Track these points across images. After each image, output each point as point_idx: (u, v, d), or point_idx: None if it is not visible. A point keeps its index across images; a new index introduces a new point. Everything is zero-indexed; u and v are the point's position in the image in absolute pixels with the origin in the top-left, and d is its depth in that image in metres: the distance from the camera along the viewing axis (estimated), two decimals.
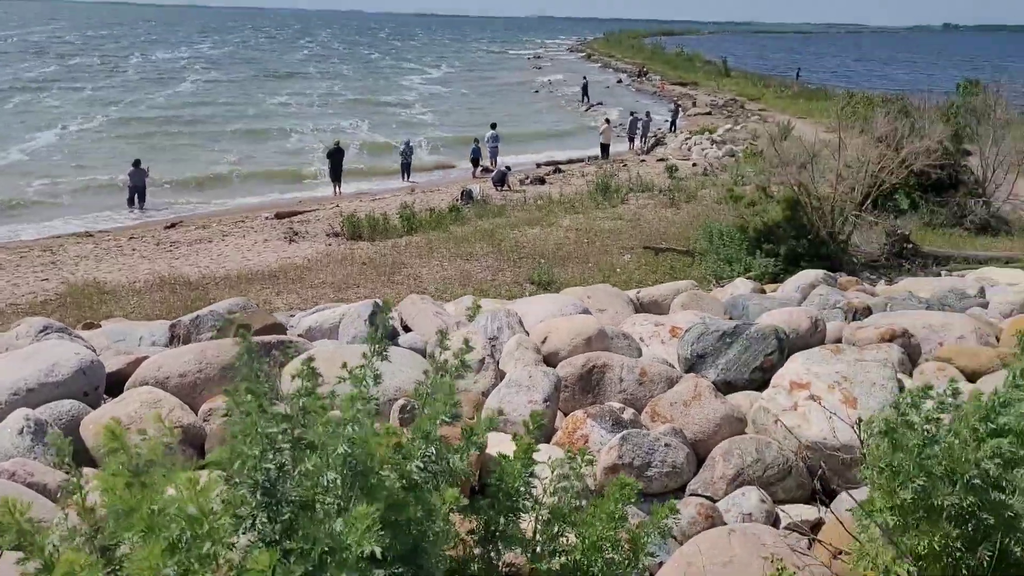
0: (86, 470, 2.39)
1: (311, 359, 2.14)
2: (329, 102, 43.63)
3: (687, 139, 31.62)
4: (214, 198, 22.74)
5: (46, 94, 41.33)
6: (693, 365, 4.57)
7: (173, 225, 18.67)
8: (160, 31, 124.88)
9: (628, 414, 3.81)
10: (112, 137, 30.26)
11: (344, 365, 2.24)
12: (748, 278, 9.75)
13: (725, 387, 4.43)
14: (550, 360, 4.46)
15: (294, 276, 12.43)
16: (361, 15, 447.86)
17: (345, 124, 35.92)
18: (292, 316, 8.21)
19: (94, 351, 4.54)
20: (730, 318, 5.96)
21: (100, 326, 7.36)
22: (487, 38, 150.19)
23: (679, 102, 40.89)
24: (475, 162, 26.56)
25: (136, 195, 20.93)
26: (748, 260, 11.72)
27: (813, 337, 5.18)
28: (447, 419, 2.08)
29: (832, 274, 8.18)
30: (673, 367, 4.59)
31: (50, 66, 57.52)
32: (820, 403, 3.79)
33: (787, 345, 4.75)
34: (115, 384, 3.68)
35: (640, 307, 6.43)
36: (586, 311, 5.43)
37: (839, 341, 5.32)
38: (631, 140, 31.73)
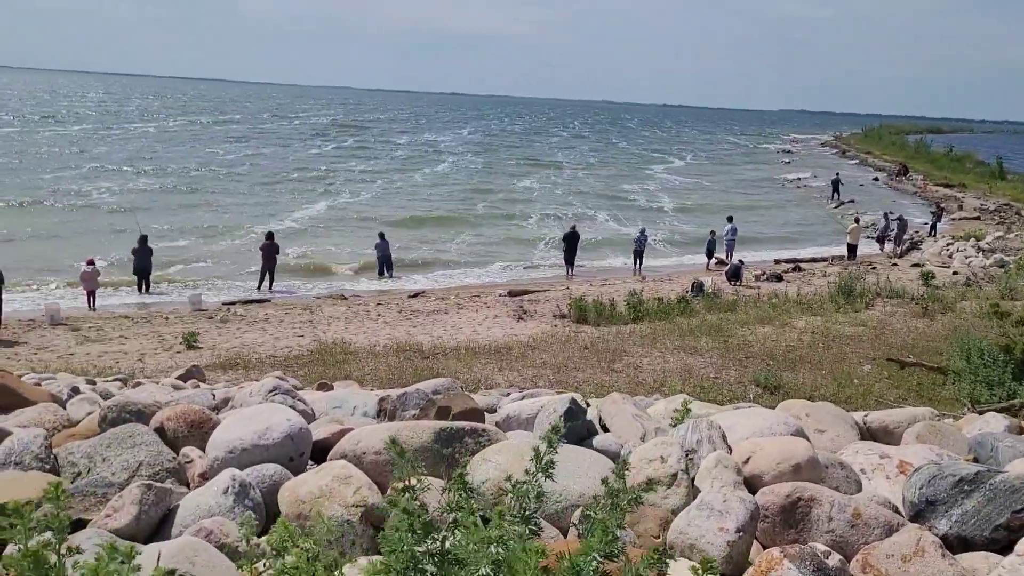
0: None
1: (463, 476, 2.11)
2: (572, 187, 45.21)
3: (949, 244, 28.93)
4: (454, 272, 24.25)
5: (323, 170, 46.55)
6: (921, 512, 4.01)
7: (416, 295, 20.05)
8: (428, 116, 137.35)
9: (834, 560, 3.39)
10: (372, 210, 33.42)
11: (509, 478, 2.18)
12: (1008, 406, 8.56)
13: (958, 543, 3.83)
14: (751, 483, 4.12)
15: (518, 354, 12.72)
16: (612, 105, 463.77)
17: (584, 209, 36.95)
18: (507, 395, 8.38)
19: (313, 415, 4.89)
20: (975, 459, 5.20)
21: (332, 387, 7.97)
22: (736, 130, 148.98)
23: (943, 204, 37.69)
24: (709, 254, 26.13)
25: (384, 264, 22.84)
26: (1013, 386, 10.30)
27: None
28: (600, 559, 1.88)
29: None
30: (895, 511, 4.05)
31: (328, 145, 65.16)
32: None
33: None
34: (321, 451, 3.91)
35: (867, 432, 5.80)
36: (800, 431, 4.98)
37: None
38: (882, 242, 29.63)
